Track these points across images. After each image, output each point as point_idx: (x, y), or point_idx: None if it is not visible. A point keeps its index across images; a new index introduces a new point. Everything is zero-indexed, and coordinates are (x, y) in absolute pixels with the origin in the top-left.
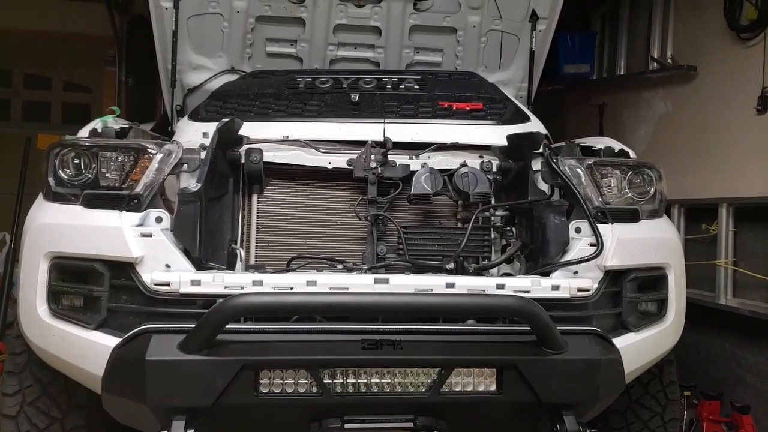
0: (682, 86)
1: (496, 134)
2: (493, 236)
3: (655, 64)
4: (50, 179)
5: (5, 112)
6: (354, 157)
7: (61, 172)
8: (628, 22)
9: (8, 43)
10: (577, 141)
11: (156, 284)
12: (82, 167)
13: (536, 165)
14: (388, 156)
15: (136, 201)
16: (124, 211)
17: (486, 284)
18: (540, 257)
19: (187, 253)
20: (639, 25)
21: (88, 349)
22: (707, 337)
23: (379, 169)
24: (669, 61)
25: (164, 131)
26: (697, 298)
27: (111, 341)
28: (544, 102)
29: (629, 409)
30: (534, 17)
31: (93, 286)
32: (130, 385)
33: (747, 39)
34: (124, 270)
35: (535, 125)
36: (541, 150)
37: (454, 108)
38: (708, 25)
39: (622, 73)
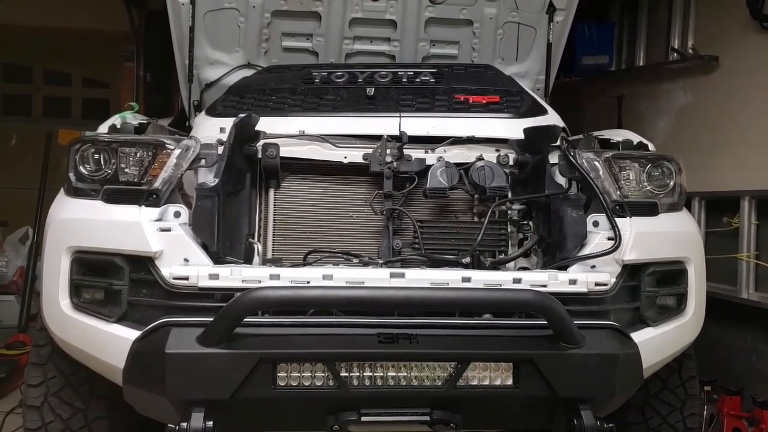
0: (703, 77)
1: (512, 127)
2: (509, 230)
3: (675, 54)
4: (71, 175)
5: (26, 107)
6: (370, 151)
7: (81, 167)
8: (647, 12)
9: (28, 40)
10: (595, 133)
11: (175, 278)
12: (102, 163)
13: (553, 158)
14: (404, 150)
15: (154, 196)
16: (143, 206)
17: (502, 278)
18: (557, 251)
19: (205, 247)
20: (659, 15)
21: (108, 341)
22: (728, 332)
23: (395, 163)
24: (690, 51)
25: (182, 126)
26: (718, 292)
27: (131, 334)
28: (561, 94)
29: (647, 404)
30: (551, 8)
31: (113, 280)
32: (150, 378)
33: None
34: (143, 264)
35: (552, 118)
36: (558, 143)
37: (471, 101)
38: (730, 14)
39: (641, 64)
